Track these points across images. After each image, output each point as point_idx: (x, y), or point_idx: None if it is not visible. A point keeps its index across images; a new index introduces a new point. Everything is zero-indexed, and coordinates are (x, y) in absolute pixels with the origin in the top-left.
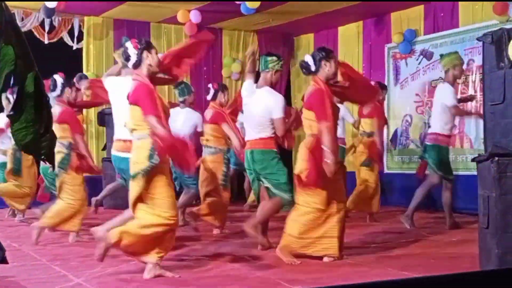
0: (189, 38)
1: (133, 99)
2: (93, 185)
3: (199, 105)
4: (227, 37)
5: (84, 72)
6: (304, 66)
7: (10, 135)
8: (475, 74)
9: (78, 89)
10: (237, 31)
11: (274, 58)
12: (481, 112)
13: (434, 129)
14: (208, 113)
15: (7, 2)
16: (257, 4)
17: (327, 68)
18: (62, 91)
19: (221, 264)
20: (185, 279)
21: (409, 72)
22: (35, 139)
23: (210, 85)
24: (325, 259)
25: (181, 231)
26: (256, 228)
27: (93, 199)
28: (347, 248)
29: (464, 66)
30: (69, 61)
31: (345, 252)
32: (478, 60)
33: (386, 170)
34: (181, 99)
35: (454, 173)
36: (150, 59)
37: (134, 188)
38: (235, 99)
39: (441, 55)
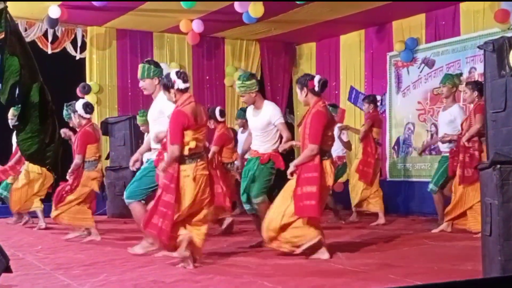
0: None
1: None
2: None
3: None
4: (229, 46)
5: (87, 82)
6: None
7: None
8: None
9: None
10: (239, 40)
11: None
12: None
13: None
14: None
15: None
16: (260, 13)
17: None
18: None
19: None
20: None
21: (411, 80)
22: (40, 149)
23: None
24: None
25: None
26: None
27: None
28: (349, 257)
29: (466, 75)
30: (72, 71)
31: (347, 259)
32: (479, 68)
33: (388, 178)
34: None
35: None
36: None
37: None
38: None
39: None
